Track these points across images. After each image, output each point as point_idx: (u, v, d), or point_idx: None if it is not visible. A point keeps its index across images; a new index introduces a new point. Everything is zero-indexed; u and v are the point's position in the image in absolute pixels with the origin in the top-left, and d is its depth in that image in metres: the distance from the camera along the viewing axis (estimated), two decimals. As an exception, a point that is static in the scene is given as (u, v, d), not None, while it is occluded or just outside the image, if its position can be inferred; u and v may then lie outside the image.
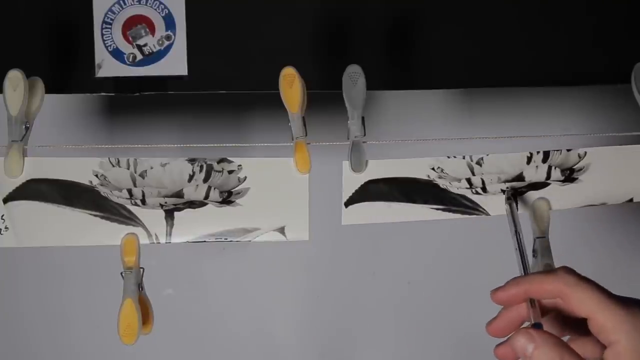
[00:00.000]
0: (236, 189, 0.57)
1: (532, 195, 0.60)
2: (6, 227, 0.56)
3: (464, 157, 0.59)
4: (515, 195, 0.59)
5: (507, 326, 0.47)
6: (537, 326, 0.44)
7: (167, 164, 0.57)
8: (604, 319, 0.41)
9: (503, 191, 0.60)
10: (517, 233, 0.54)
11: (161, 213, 0.57)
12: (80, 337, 0.93)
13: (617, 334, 0.41)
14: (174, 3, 0.70)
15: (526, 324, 0.45)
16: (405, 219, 0.59)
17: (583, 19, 0.75)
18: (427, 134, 0.61)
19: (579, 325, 0.43)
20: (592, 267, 0.94)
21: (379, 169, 0.58)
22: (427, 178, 0.59)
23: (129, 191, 0.57)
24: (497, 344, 0.46)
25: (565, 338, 0.47)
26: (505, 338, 0.44)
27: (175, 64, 0.70)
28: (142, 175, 0.57)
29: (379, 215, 0.59)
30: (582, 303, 0.42)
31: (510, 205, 0.58)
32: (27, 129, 0.56)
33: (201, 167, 0.57)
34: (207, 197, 0.57)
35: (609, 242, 0.95)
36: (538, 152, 0.59)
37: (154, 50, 0.70)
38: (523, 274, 0.50)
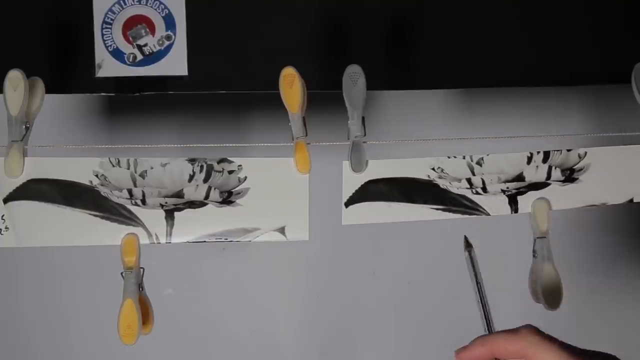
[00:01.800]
0: (236, 189, 0.57)
1: (532, 195, 0.60)
2: (6, 227, 0.56)
3: (464, 157, 0.59)
4: (470, 245, 0.55)
5: None
6: None
7: (168, 164, 0.57)
8: None
9: (503, 191, 0.60)
10: (478, 284, 0.52)
11: (161, 213, 0.57)
12: (80, 337, 0.93)
13: None
14: (174, 3, 0.70)
15: None
16: (405, 219, 0.59)
17: (583, 19, 0.75)
18: (427, 134, 0.61)
19: None
20: (592, 267, 0.94)
21: (379, 169, 0.58)
22: (427, 178, 0.59)
23: (129, 191, 0.57)
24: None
25: None
26: None
27: (175, 64, 0.70)
28: (142, 175, 0.57)
29: (379, 215, 0.59)
30: None
31: (469, 253, 0.55)
32: (27, 129, 0.56)
33: (201, 167, 0.57)
34: (207, 197, 0.57)
35: (609, 242, 0.95)
36: (538, 152, 0.59)
37: (154, 50, 0.70)
38: (487, 329, 0.50)
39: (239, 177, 0.57)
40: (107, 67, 0.70)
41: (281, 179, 0.57)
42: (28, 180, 0.56)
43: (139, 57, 0.70)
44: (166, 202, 0.57)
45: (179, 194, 0.57)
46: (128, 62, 0.70)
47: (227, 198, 0.57)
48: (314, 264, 0.93)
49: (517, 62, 0.74)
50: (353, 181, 0.58)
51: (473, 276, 0.53)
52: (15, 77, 0.55)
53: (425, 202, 0.59)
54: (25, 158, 0.56)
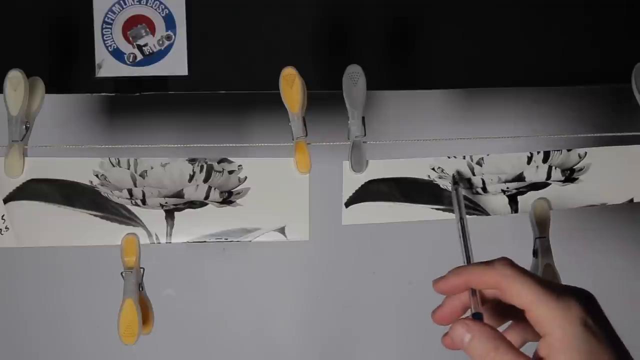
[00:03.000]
0: (236, 189, 0.57)
1: (532, 195, 0.60)
2: (6, 227, 0.56)
3: (464, 157, 0.59)
4: (459, 181, 0.58)
5: (451, 314, 0.48)
6: (476, 316, 0.45)
7: (168, 164, 0.57)
8: (537, 312, 0.42)
9: (503, 191, 0.60)
10: (461, 219, 0.54)
11: (161, 213, 0.57)
12: (80, 337, 0.93)
13: (550, 326, 0.42)
14: (174, 3, 0.70)
15: (469, 312, 0.46)
16: (405, 219, 0.59)
17: (582, 19, 0.75)
18: (427, 134, 0.61)
19: (520, 311, 0.44)
20: (592, 267, 0.94)
21: (379, 169, 0.58)
22: (427, 178, 0.59)
23: (129, 191, 0.57)
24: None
25: (509, 322, 0.48)
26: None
27: (176, 64, 0.70)
28: (142, 175, 0.57)
29: (379, 215, 0.59)
30: (517, 295, 0.43)
31: (456, 190, 0.57)
32: (27, 129, 0.56)
33: (201, 167, 0.57)
34: (207, 197, 0.57)
35: (609, 242, 0.95)
36: (538, 152, 0.59)
37: (154, 50, 0.70)
38: (466, 262, 0.51)
39: (239, 177, 0.57)
40: (107, 67, 0.70)
41: (281, 179, 0.57)
42: (28, 180, 0.56)
43: (139, 57, 0.70)
44: (166, 202, 0.57)
45: (179, 194, 0.57)
46: (128, 62, 0.70)
47: (227, 198, 0.57)
48: (314, 264, 0.93)
49: (517, 62, 0.74)
50: (353, 181, 0.58)
51: (457, 211, 0.55)
52: (15, 77, 0.55)
53: (425, 202, 0.59)
54: (25, 158, 0.56)
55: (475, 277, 0.46)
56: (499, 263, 0.45)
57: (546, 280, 0.44)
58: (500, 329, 0.46)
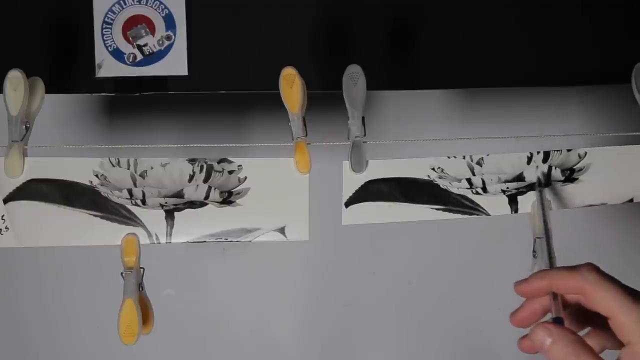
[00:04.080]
0: (236, 189, 0.57)
1: (532, 195, 0.60)
2: (6, 227, 0.56)
3: (464, 157, 0.59)
4: (541, 185, 0.58)
5: (530, 317, 0.47)
6: (558, 320, 0.45)
7: (168, 164, 0.57)
8: (623, 320, 0.42)
9: (503, 191, 0.60)
10: (545, 222, 0.54)
11: (161, 213, 0.57)
12: (80, 337, 0.93)
13: (635, 334, 0.41)
14: (174, 3, 0.70)
15: (549, 316, 0.46)
16: (405, 219, 0.59)
17: (582, 19, 0.75)
18: (427, 134, 0.61)
19: (602, 318, 0.44)
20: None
21: (379, 169, 0.58)
22: (427, 178, 0.59)
23: (129, 191, 0.57)
24: (519, 337, 0.46)
25: (588, 329, 0.48)
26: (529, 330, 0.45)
27: (176, 64, 0.70)
28: (142, 176, 0.57)
29: (379, 215, 0.59)
30: (602, 302, 0.43)
31: (540, 192, 0.57)
32: (27, 129, 0.56)
33: (201, 167, 0.57)
34: (207, 197, 0.57)
35: (609, 242, 0.95)
36: (538, 152, 0.59)
37: (154, 50, 0.70)
38: (549, 265, 0.50)
39: (239, 177, 0.57)
40: (107, 67, 0.70)
41: (281, 179, 0.57)
42: (28, 180, 0.56)
43: (139, 57, 0.70)
44: (166, 202, 0.57)
45: (179, 194, 0.57)
46: (128, 62, 0.70)
47: (227, 198, 0.57)
48: (314, 264, 0.93)
49: (517, 62, 0.74)
50: (353, 181, 0.58)
51: (541, 214, 0.55)
52: (15, 77, 0.55)
53: (425, 202, 0.59)
54: (25, 158, 0.56)
55: (559, 282, 0.45)
56: (585, 268, 0.45)
57: (630, 288, 0.43)
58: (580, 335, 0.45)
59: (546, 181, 0.58)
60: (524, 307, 0.48)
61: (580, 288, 0.44)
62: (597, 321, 0.45)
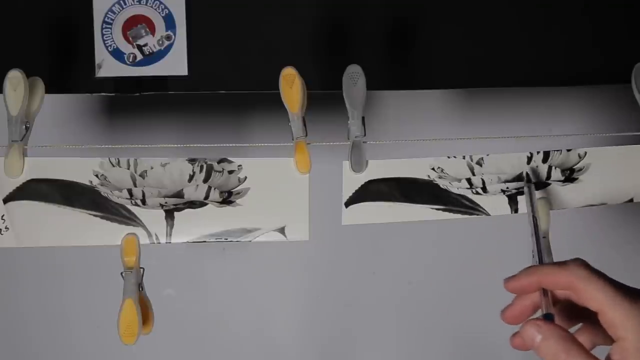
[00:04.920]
0: (236, 189, 0.57)
1: (538, 194, 0.60)
2: (6, 227, 0.56)
3: (464, 157, 0.59)
4: (530, 180, 0.58)
5: (521, 314, 0.47)
6: (548, 316, 0.44)
7: (167, 164, 0.57)
8: (612, 315, 0.42)
9: (503, 191, 0.60)
10: (533, 217, 0.54)
11: (161, 213, 0.57)
12: (80, 337, 0.93)
13: (624, 330, 0.41)
14: (174, 3, 0.70)
15: (540, 312, 0.46)
16: (405, 219, 0.59)
17: (582, 19, 0.75)
18: (427, 134, 0.61)
19: (592, 314, 0.43)
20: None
21: (379, 169, 0.58)
22: (427, 178, 0.59)
23: (129, 191, 0.57)
24: (510, 334, 0.46)
25: (579, 325, 0.48)
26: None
27: (175, 64, 0.70)
28: (142, 175, 0.57)
29: (379, 215, 0.59)
30: (592, 297, 0.43)
31: (529, 187, 0.57)
32: (27, 129, 0.56)
33: (201, 167, 0.57)
34: (207, 197, 0.57)
35: (609, 242, 0.95)
36: (538, 152, 0.59)
37: (154, 50, 0.70)
38: (538, 261, 0.50)
39: (239, 177, 0.57)
40: (107, 67, 0.70)
41: (281, 179, 0.57)
42: (28, 180, 0.56)
43: (139, 57, 0.70)
44: (166, 202, 0.57)
45: (179, 194, 0.57)
46: (128, 62, 0.70)
47: (227, 198, 0.57)
48: (314, 264, 0.93)
49: (517, 62, 0.74)
50: (353, 181, 0.58)
51: (530, 209, 0.54)
52: (15, 77, 0.55)
53: (425, 202, 0.59)
54: (25, 158, 0.56)
55: (548, 278, 0.45)
56: (573, 264, 0.45)
57: (619, 283, 0.43)
58: (571, 331, 0.45)
59: (535, 177, 0.58)
60: (514, 303, 0.48)
61: (569, 284, 0.44)
62: (588, 317, 0.45)
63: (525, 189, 0.58)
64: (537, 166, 0.58)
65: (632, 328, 0.41)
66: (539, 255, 0.51)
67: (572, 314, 0.48)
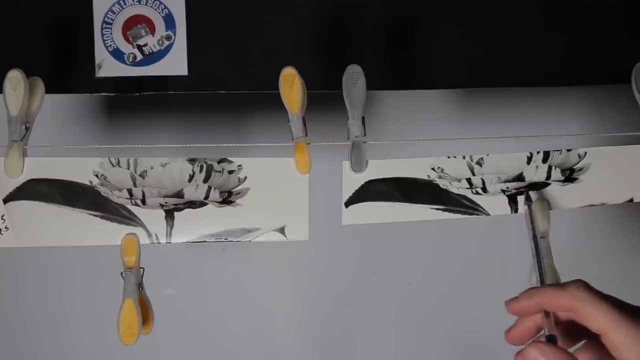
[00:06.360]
0: (236, 189, 0.57)
1: (532, 195, 0.60)
2: (6, 227, 0.56)
3: (464, 157, 0.59)
4: (530, 199, 0.58)
5: (524, 335, 0.47)
6: (550, 338, 0.44)
7: (167, 164, 0.57)
8: (615, 337, 0.42)
9: (503, 191, 0.60)
10: (534, 237, 0.54)
11: (161, 213, 0.57)
12: (80, 337, 0.93)
13: (629, 352, 0.41)
14: (174, 3, 0.70)
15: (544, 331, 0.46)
16: (405, 219, 0.59)
17: (582, 19, 0.75)
18: (427, 134, 0.61)
19: (595, 334, 0.43)
20: (592, 267, 0.94)
21: (379, 169, 0.58)
22: (427, 178, 0.59)
23: (129, 191, 0.57)
24: (515, 352, 0.46)
25: (582, 342, 0.48)
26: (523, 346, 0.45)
27: (175, 64, 0.70)
28: (142, 175, 0.57)
29: (379, 215, 0.59)
30: (594, 320, 0.43)
31: (529, 207, 0.57)
32: (27, 129, 0.56)
33: (201, 167, 0.57)
34: (207, 197, 0.57)
35: (609, 242, 0.95)
36: (538, 152, 0.59)
37: (154, 50, 0.70)
38: (539, 282, 0.50)
39: (239, 177, 0.57)
40: (107, 67, 0.70)
41: (281, 179, 0.57)
42: (28, 180, 0.56)
43: (139, 57, 0.70)
44: (166, 202, 0.57)
45: (179, 194, 0.57)
46: (128, 62, 0.70)
47: (227, 198, 0.57)
48: (314, 264, 0.93)
49: (517, 62, 0.74)
50: (353, 181, 0.58)
51: (530, 229, 0.54)
52: (15, 77, 0.55)
53: (425, 202, 0.59)
54: (25, 158, 0.56)
55: (549, 300, 0.45)
56: (574, 286, 0.44)
57: (622, 302, 0.43)
58: (574, 347, 0.45)
59: (535, 192, 0.58)
60: (517, 325, 0.48)
61: (570, 306, 0.44)
62: (592, 335, 0.45)
63: (525, 209, 0.57)
64: (535, 179, 0.58)
65: (635, 349, 0.41)
66: (541, 277, 0.50)
67: (575, 332, 0.48)
